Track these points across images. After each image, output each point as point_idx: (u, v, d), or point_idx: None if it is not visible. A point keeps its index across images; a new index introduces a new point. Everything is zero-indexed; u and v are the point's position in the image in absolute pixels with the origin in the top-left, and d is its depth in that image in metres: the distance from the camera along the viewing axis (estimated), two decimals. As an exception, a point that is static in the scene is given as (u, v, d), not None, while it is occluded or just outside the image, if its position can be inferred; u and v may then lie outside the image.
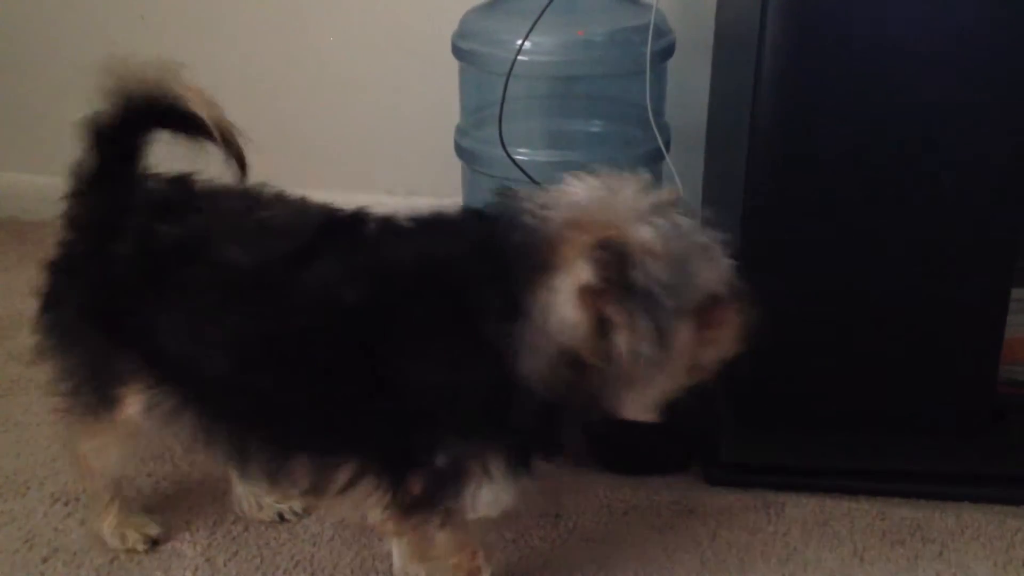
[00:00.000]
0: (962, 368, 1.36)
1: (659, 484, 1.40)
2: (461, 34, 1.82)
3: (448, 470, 1.04)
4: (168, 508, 1.34)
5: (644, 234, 0.98)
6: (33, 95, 2.16)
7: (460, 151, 1.88)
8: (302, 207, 1.12)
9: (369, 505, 1.08)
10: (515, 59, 1.69)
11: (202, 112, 1.09)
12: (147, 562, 1.25)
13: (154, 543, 1.28)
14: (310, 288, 1.03)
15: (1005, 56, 1.20)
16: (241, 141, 1.13)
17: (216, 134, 1.10)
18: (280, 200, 1.13)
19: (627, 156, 1.84)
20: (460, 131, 1.89)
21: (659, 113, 1.82)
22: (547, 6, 1.67)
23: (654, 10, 1.72)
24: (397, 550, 1.18)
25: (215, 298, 1.06)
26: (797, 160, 1.29)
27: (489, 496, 1.06)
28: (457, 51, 1.82)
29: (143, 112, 1.12)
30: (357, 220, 1.08)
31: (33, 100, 2.17)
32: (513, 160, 1.74)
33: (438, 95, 1.93)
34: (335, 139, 2.09)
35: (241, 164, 1.14)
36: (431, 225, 1.07)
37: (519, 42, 1.69)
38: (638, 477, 1.41)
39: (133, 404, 1.13)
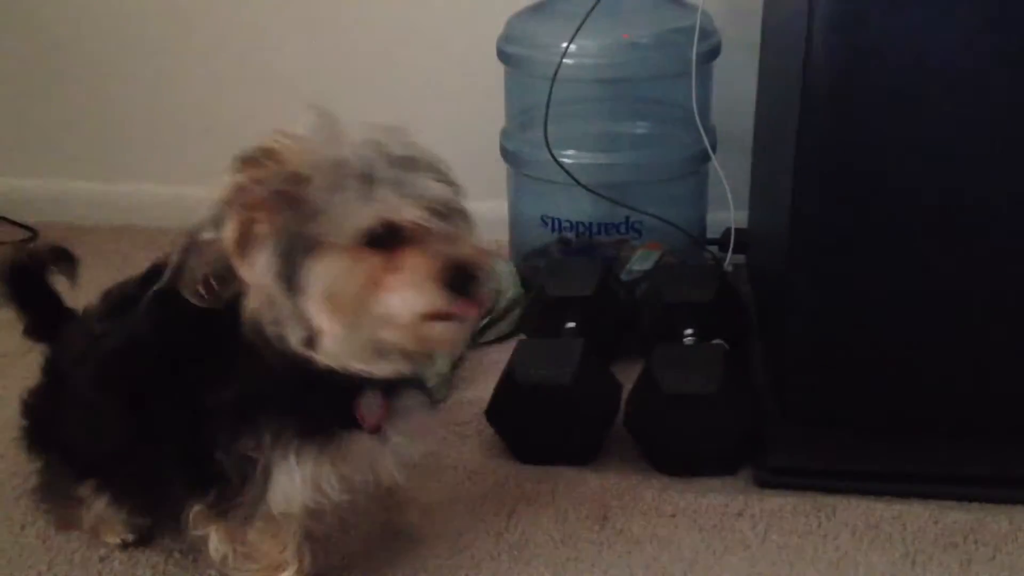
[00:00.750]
0: (1017, 370, 1.34)
1: (707, 486, 1.40)
2: (506, 38, 1.83)
3: (236, 466, 1.05)
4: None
5: (316, 155, 0.95)
6: (86, 104, 2.20)
7: (505, 154, 1.89)
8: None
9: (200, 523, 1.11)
10: (560, 62, 1.69)
11: None
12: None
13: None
14: (108, 356, 1.12)
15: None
16: None
17: None
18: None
19: (674, 157, 1.84)
20: (505, 134, 1.90)
21: (705, 114, 1.81)
22: (592, 9, 1.68)
23: (700, 11, 1.72)
24: (214, 537, 1.14)
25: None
26: (846, 161, 1.28)
27: (278, 487, 1.05)
28: (502, 55, 1.83)
29: None
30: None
31: (87, 108, 2.21)
32: (559, 162, 1.75)
33: (483, 99, 1.94)
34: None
35: None
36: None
37: (564, 45, 1.69)
38: (686, 479, 1.41)
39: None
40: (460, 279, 0.96)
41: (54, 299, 1.27)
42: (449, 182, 1.01)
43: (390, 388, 1.08)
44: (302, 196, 0.95)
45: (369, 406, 1.07)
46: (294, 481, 1.05)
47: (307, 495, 1.06)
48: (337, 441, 1.06)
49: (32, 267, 1.26)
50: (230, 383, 1.03)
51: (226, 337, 1.01)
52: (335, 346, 0.98)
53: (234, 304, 0.99)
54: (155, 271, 1.10)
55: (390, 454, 1.11)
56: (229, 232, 0.95)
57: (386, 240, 0.96)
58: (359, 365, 1.00)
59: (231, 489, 1.07)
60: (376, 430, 1.08)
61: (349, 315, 0.96)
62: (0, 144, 2.26)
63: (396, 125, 1.01)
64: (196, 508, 1.10)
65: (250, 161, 0.96)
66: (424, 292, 0.95)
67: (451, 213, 0.99)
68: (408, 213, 0.95)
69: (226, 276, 0.97)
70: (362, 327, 0.97)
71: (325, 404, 1.05)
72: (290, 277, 0.95)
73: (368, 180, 0.96)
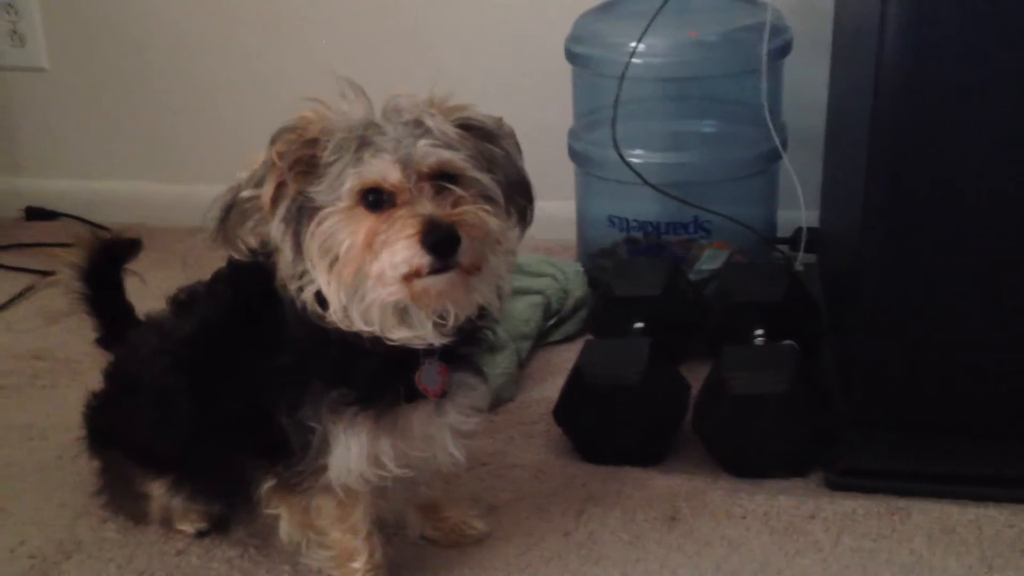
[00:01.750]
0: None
1: (777, 488, 1.38)
2: (574, 38, 1.83)
3: (298, 439, 1.07)
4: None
5: (337, 115, 1.02)
6: (161, 107, 2.25)
7: (573, 154, 1.89)
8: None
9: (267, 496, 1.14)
10: (628, 62, 1.69)
11: None
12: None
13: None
14: (175, 344, 1.18)
15: None
16: None
17: None
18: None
19: (743, 156, 1.83)
20: (573, 134, 1.90)
21: (776, 112, 1.79)
22: (660, 8, 1.67)
23: (770, 8, 1.70)
24: (284, 521, 1.17)
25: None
26: (919, 158, 1.26)
27: (336, 457, 1.07)
28: (570, 55, 1.83)
29: None
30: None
31: (162, 112, 2.25)
32: (626, 162, 1.74)
33: (551, 99, 1.94)
34: (450, 144, 2.12)
35: None
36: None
37: (632, 45, 1.69)
38: (755, 481, 1.40)
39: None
40: (439, 238, 0.97)
41: (126, 306, 1.32)
42: (456, 148, 1.03)
43: (447, 359, 1.10)
44: (316, 160, 1.01)
45: (429, 375, 1.08)
46: (350, 450, 1.07)
47: (364, 466, 1.08)
48: (393, 412, 1.08)
49: (109, 260, 1.30)
50: (285, 349, 1.07)
51: (279, 304, 1.05)
52: (340, 306, 1.01)
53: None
54: (224, 272, 1.16)
55: (447, 428, 1.12)
56: (266, 191, 1.01)
57: (382, 203, 0.99)
58: (370, 328, 1.02)
59: (294, 458, 1.09)
60: (440, 395, 1.10)
61: (346, 275, 1.00)
62: (77, 148, 2.32)
63: (439, 94, 1.06)
64: (267, 484, 1.13)
65: (288, 128, 1.02)
66: (401, 250, 0.98)
67: (456, 178, 1.02)
68: (392, 176, 0.98)
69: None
70: (361, 287, 1.01)
71: (381, 374, 1.07)
72: (296, 237, 1.01)
73: (365, 143, 1.00)
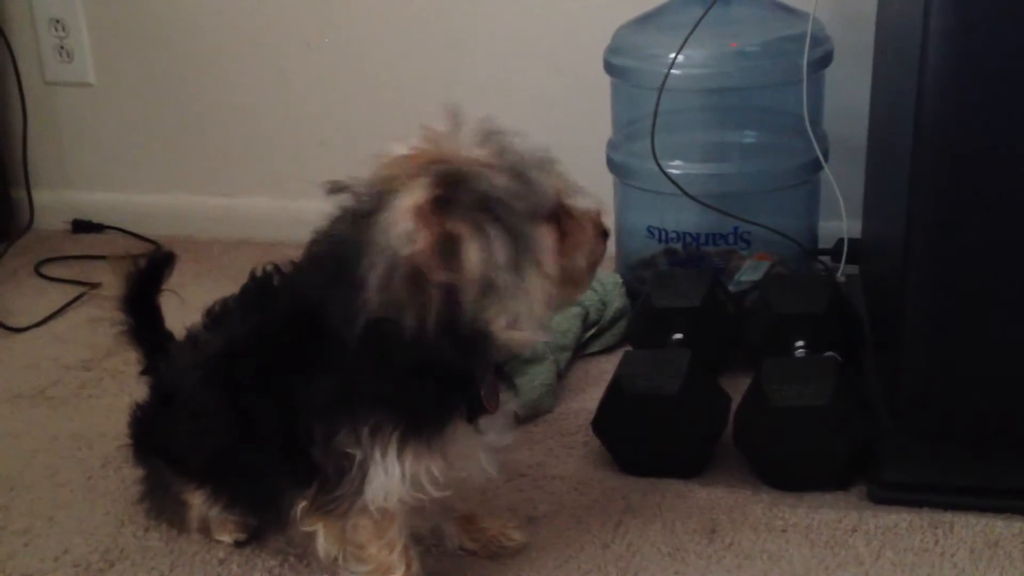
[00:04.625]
0: None
1: (818, 501, 1.37)
2: (613, 50, 1.83)
3: (333, 460, 1.08)
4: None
5: (476, 153, 1.02)
6: (205, 121, 2.28)
7: (612, 165, 1.89)
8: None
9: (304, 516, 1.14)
10: (668, 73, 1.69)
11: None
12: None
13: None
14: (212, 359, 1.18)
15: None
16: None
17: None
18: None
19: (784, 167, 1.82)
20: (612, 145, 1.90)
21: (817, 122, 1.78)
22: (700, 19, 1.67)
23: (811, 18, 1.69)
24: (321, 537, 1.17)
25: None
26: (963, 167, 1.25)
27: (375, 482, 1.07)
28: (609, 67, 1.83)
29: None
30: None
31: (206, 126, 2.28)
32: (666, 173, 1.74)
33: (589, 110, 1.94)
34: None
35: None
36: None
37: (672, 56, 1.69)
38: (796, 494, 1.39)
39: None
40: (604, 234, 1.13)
41: (167, 335, 1.34)
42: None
43: (497, 374, 1.13)
44: (492, 194, 1.00)
45: (490, 391, 1.11)
46: (393, 476, 1.07)
47: (404, 490, 1.09)
48: (442, 435, 1.09)
49: (150, 280, 1.32)
50: (326, 378, 1.07)
51: (321, 334, 1.05)
52: (540, 319, 1.05)
53: (331, 304, 1.04)
54: (252, 286, 1.18)
55: (484, 446, 1.13)
56: (424, 243, 0.98)
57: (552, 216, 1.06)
58: (543, 336, 1.08)
59: (329, 483, 1.10)
60: (496, 411, 1.12)
61: (556, 283, 1.06)
62: (123, 161, 2.35)
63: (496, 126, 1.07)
64: (302, 504, 1.13)
65: (439, 179, 1.00)
66: (594, 247, 1.10)
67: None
68: (562, 184, 1.08)
69: (419, 284, 0.99)
70: (559, 292, 1.07)
71: (442, 394, 1.08)
72: (513, 262, 1.01)
73: (536, 167, 1.05)
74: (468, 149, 1.03)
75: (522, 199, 1.01)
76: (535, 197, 1.02)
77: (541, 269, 1.03)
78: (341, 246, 1.03)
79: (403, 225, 0.97)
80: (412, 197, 0.98)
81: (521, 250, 1.01)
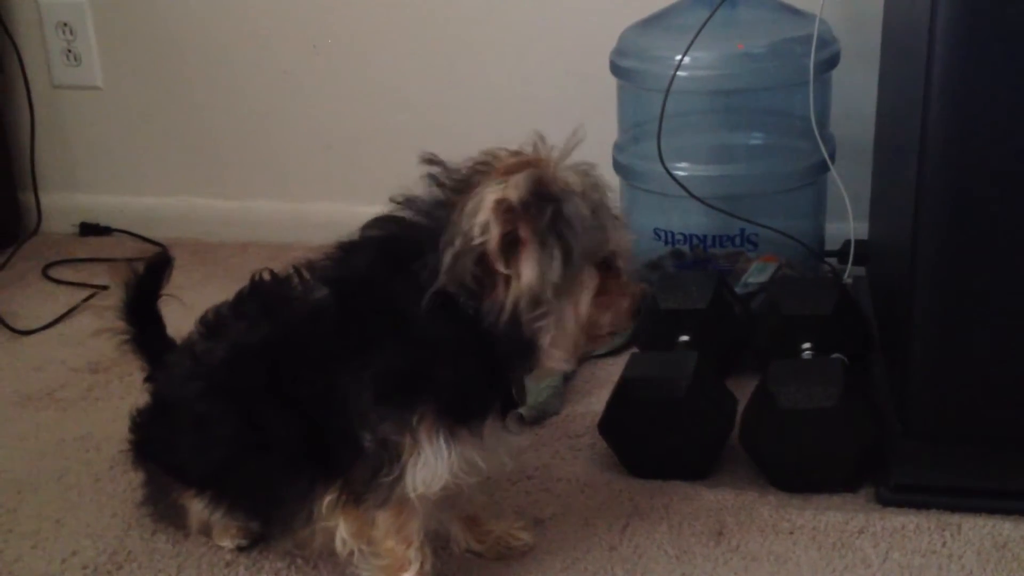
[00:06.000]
0: None
1: (826, 503, 1.37)
2: (619, 51, 1.83)
3: (378, 448, 1.09)
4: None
5: (569, 176, 1.07)
6: (212, 124, 2.29)
7: (618, 167, 1.89)
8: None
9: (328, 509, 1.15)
10: (674, 75, 1.69)
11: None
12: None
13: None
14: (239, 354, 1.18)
15: None
16: None
17: None
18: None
19: (790, 168, 1.82)
20: (618, 147, 1.90)
21: (823, 124, 1.78)
22: (707, 21, 1.67)
23: (817, 20, 1.69)
24: (341, 532, 1.18)
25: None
26: (970, 168, 1.24)
27: (424, 468, 1.09)
28: (616, 68, 1.83)
29: None
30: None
31: (213, 129, 2.29)
32: (672, 175, 1.74)
33: (595, 112, 1.94)
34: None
35: None
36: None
37: (678, 58, 1.69)
38: (803, 496, 1.38)
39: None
40: (638, 311, 1.15)
41: (169, 342, 1.34)
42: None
43: None
44: (570, 218, 1.04)
45: (520, 392, 1.15)
46: (441, 461, 1.09)
47: (448, 477, 1.11)
48: (482, 426, 1.12)
49: (151, 284, 1.33)
50: (373, 364, 1.08)
51: (370, 321, 1.09)
52: (570, 350, 1.09)
53: (396, 283, 1.07)
54: (245, 294, 1.20)
55: (507, 439, 1.17)
56: (494, 237, 1.02)
57: (603, 265, 1.09)
58: (568, 366, 1.13)
59: (367, 471, 1.11)
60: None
61: (586, 322, 1.09)
62: (130, 164, 2.36)
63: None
64: (328, 498, 1.14)
65: (532, 183, 1.04)
66: (624, 318, 1.13)
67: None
68: (625, 246, 1.11)
69: (485, 275, 1.04)
70: (585, 332, 1.10)
71: (485, 390, 1.11)
72: (559, 283, 1.04)
73: (612, 216, 1.10)
74: (566, 172, 1.07)
75: (590, 235, 1.05)
76: (600, 238, 1.07)
77: (577, 306, 1.07)
78: (411, 229, 1.08)
79: (483, 215, 1.02)
80: (502, 191, 1.03)
81: (569, 278, 1.05)
